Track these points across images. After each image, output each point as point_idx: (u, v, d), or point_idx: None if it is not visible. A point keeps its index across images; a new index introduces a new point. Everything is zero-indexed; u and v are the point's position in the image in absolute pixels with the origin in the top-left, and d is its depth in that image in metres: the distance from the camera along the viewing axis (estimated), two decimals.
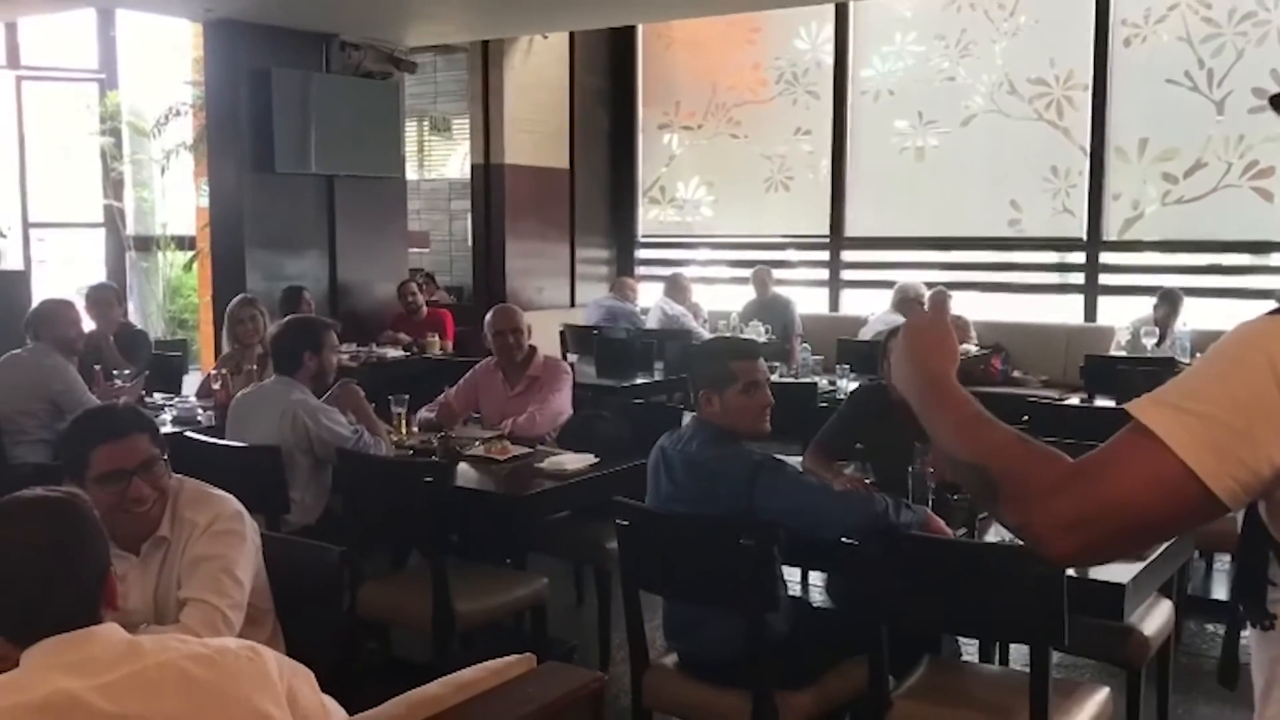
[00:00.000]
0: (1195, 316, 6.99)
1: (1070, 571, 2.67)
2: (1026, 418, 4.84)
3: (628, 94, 10.41)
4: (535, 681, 1.92)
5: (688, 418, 3.34)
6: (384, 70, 8.65)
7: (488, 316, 4.92)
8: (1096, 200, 8.34)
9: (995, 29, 8.72)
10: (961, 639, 3.75)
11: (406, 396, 4.68)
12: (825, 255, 9.56)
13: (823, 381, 6.35)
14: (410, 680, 1.95)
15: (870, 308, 8.55)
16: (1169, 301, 6.99)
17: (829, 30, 9.36)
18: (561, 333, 8.47)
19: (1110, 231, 8.36)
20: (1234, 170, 7.84)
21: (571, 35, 9.83)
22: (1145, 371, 5.36)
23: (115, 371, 5.28)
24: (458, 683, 1.87)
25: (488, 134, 9.49)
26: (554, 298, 9.96)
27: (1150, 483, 1.10)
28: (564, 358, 7.66)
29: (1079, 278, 8.54)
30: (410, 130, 10.28)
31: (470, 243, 10.00)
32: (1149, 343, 6.95)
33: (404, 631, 3.94)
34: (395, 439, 4.42)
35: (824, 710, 3.02)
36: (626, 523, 3.06)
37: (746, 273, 9.00)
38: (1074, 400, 5.94)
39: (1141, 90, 8.19)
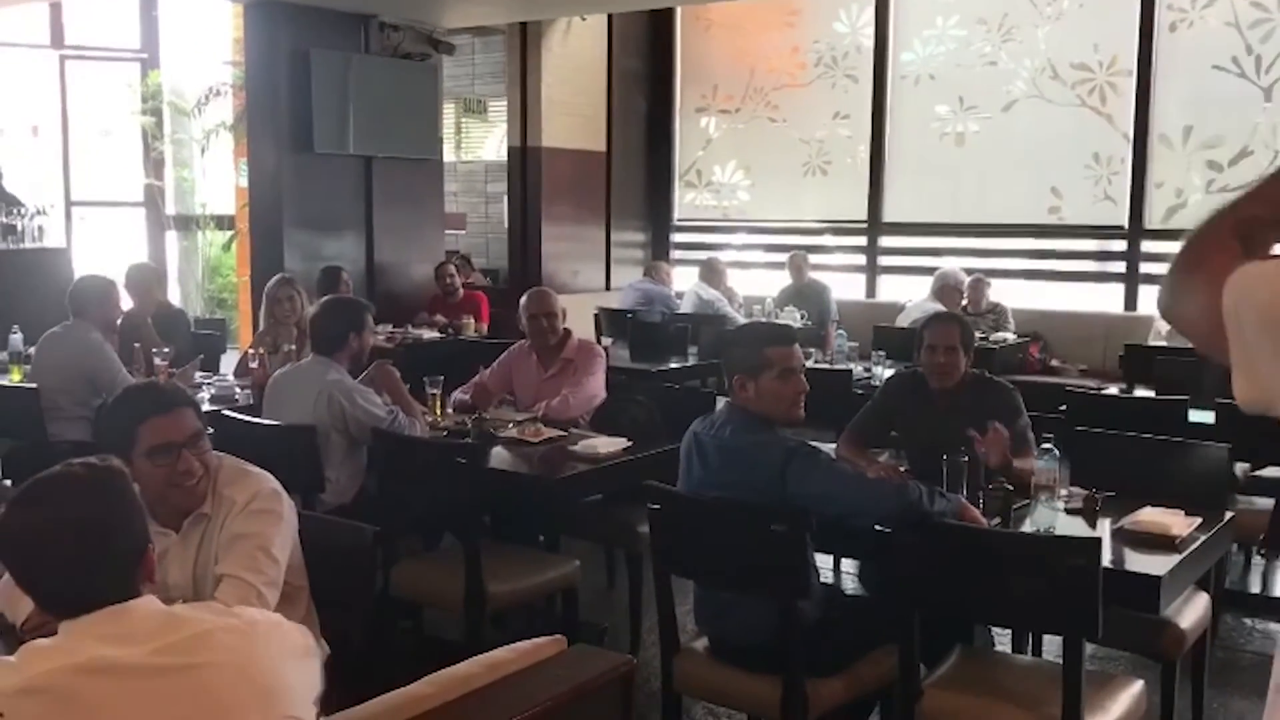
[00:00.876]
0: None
1: (1106, 562, 2.65)
2: (1064, 407, 4.80)
3: (665, 77, 10.38)
4: (565, 663, 1.92)
5: (721, 403, 3.33)
6: (422, 52, 8.68)
7: (522, 299, 4.93)
8: (1139, 188, 8.23)
9: (1038, 13, 8.60)
10: (995, 629, 3.73)
11: (441, 378, 4.69)
12: (863, 241, 9.50)
13: (858, 368, 6.32)
14: (442, 660, 1.96)
15: (908, 294, 8.49)
16: None
17: (869, 13, 9.28)
18: (596, 316, 8.48)
19: (1153, 220, 8.25)
20: None
21: (610, 17, 9.80)
22: (1185, 363, 5.28)
23: (154, 350, 5.34)
24: (488, 663, 1.88)
25: (525, 116, 9.50)
26: (589, 281, 9.97)
27: None
28: (598, 341, 7.67)
29: (1120, 266, 8.44)
30: (448, 112, 10.31)
31: (506, 225, 10.02)
32: None
33: (437, 611, 3.96)
34: (430, 420, 4.44)
35: (854, 697, 3.01)
36: (658, 507, 3.06)
37: (783, 258, 8.95)
38: (1113, 390, 5.87)
39: (1186, 77, 8.07)
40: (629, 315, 8.25)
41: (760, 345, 3.12)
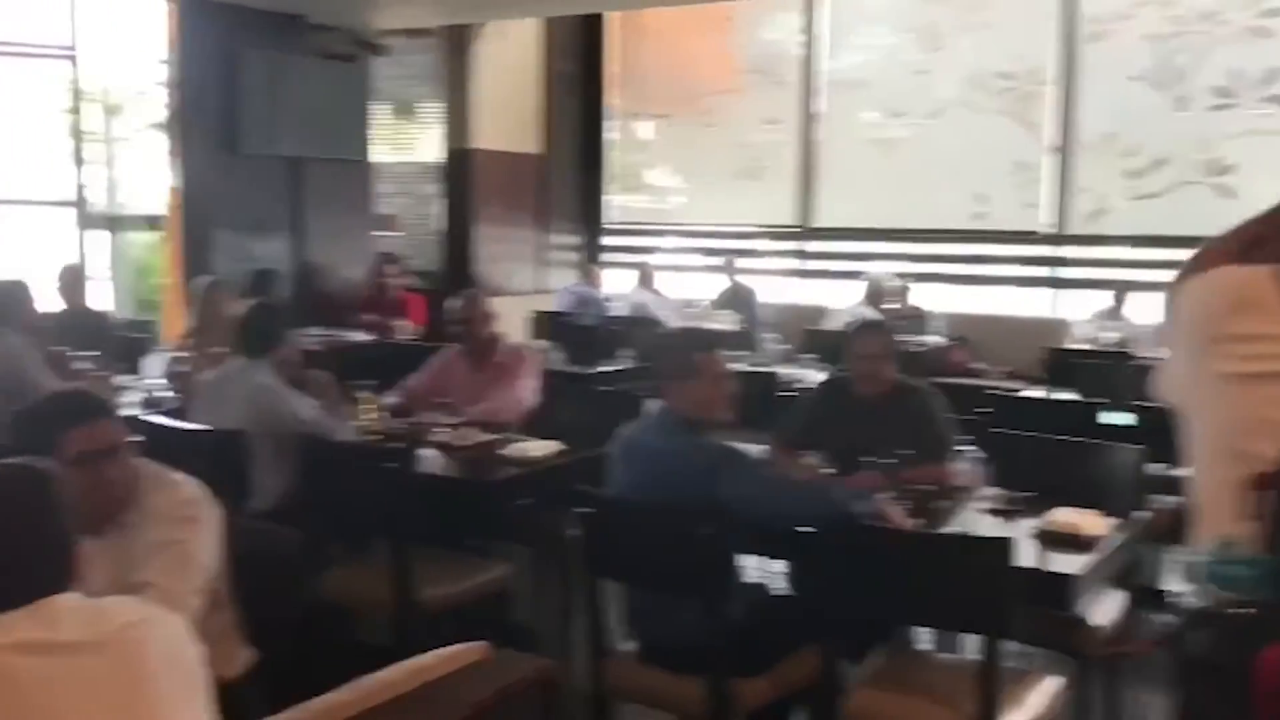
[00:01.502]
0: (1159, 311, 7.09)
1: (1020, 562, 2.73)
2: (986, 409, 4.90)
3: (599, 81, 10.40)
4: (488, 669, 1.94)
5: (651, 407, 3.37)
6: (352, 53, 8.62)
7: (452, 303, 4.93)
8: (1062, 194, 8.43)
9: (965, 23, 8.78)
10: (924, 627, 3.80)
11: (374, 382, 4.68)
12: (795, 245, 9.61)
13: (787, 371, 6.39)
14: (371, 666, 1.97)
15: (841, 298, 8.60)
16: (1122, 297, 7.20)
17: (800, 20, 9.40)
18: (531, 319, 8.48)
19: (1075, 226, 8.45)
20: (1196, 167, 7.94)
21: (544, 21, 9.81)
22: (1105, 366, 5.43)
23: (74, 354, 5.24)
24: (411, 669, 1.90)
25: (458, 118, 9.47)
26: (524, 283, 9.95)
27: None
28: (533, 344, 7.67)
29: (1044, 271, 8.64)
30: (382, 113, 10.23)
31: (440, 227, 9.97)
32: (1107, 335, 7.05)
33: (368, 617, 3.95)
34: (360, 424, 4.42)
35: (779, 697, 3.06)
36: (588, 511, 3.09)
37: (718, 261, 9.03)
38: (1034, 393, 6.00)
39: (1107, 86, 8.27)
40: (563, 318, 8.27)
41: (688, 351, 3.17)
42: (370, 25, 8.71)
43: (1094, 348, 6.89)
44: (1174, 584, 2.54)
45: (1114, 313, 7.51)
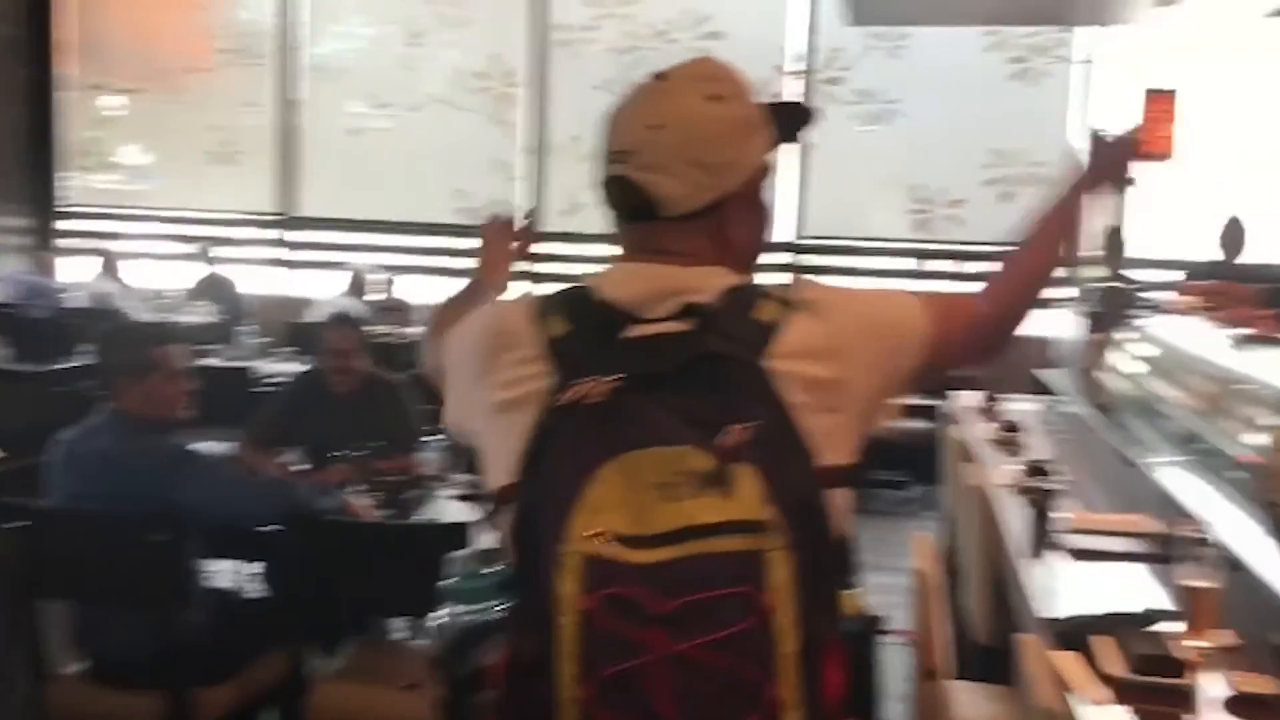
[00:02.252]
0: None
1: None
2: None
3: (48, 47, 9.40)
4: None
5: (102, 408, 3.13)
6: None
7: None
8: (539, 191, 8.89)
9: (443, 21, 8.98)
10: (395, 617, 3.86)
11: None
12: (277, 234, 9.32)
13: (266, 366, 6.21)
14: None
15: (325, 290, 8.47)
16: None
17: (274, 3, 9.12)
18: None
19: (552, 223, 8.94)
20: None
21: None
22: None
23: None
24: None
25: None
26: None
27: None
28: None
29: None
30: None
31: None
32: None
33: None
34: None
35: (246, 702, 2.98)
36: (21, 525, 2.81)
37: (193, 249, 8.53)
38: None
39: (577, 92, 8.83)
40: (9, 310, 7.42)
41: (142, 346, 2.99)
42: None
43: None
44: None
45: None
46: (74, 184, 9.61)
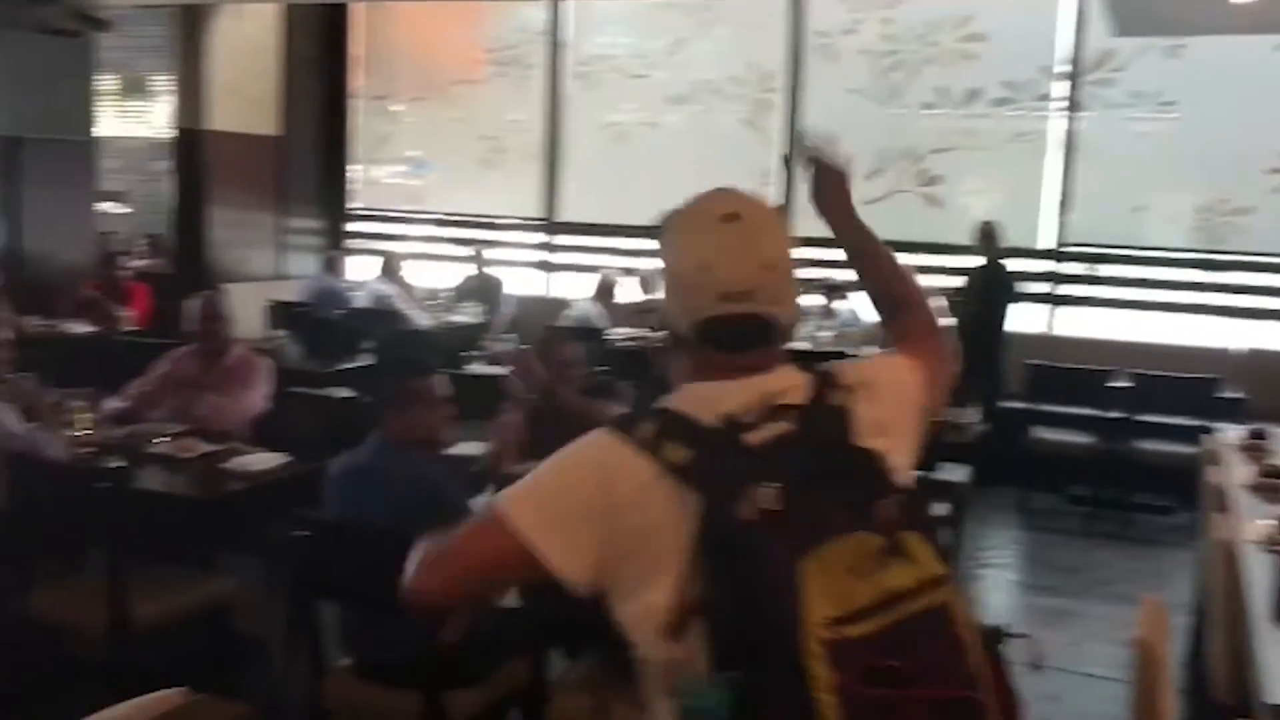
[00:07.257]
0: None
1: None
2: None
3: (343, 64, 10.21)
4: (187, 716, 2.01)
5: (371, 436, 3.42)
6: (75, 28, 8.15)
7: (190, 304, 4.82)
8: (793, 199, 8.92)
9: (702, 28, 9.15)
10: None
11: (90, 389, 4.50)
12: (540, 238, 9.78)
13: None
14: (82, 688, 1.99)
15: (580, 291, 8.84)
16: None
17: (546, 14, 9.54)
18: (267, 309, 8.28)
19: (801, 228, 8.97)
20: (907, 177, 8.59)
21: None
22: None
23: None
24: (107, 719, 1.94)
25: (191, 96, 9.09)
26: (259, 269, 9.68)
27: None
28: (269, 335, 7.52)
29: None
30: (109, 85, 9.71)
31: (171, 207, 9.57)
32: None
33: (83, 634, 3.85)
34: (74, 435, 4.26)
35: (494, 705, 3.21)
36: (305, 535, 3.15)
37: (464, 251, 9.09)
38: None
39: (828, 97, 8.81)
40: (302, 309, 8.12)
41: (403, 379, 3.28)
42: None
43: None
44: None
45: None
46: (359, 189, 10.41)
